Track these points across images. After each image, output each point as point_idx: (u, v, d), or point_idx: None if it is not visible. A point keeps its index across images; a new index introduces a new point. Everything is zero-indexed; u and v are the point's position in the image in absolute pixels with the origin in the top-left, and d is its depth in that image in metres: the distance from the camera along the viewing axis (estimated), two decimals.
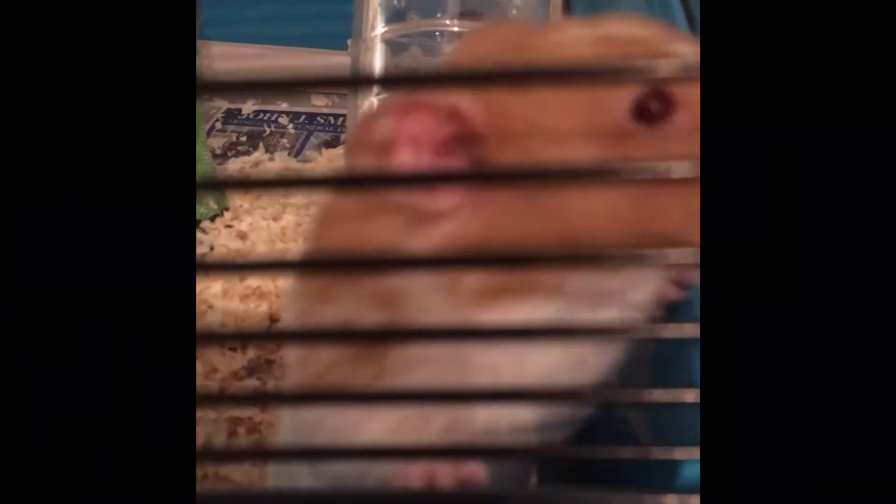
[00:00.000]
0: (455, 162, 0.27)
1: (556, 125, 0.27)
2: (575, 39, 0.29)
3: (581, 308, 0.28)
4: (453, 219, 0.28)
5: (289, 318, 0.36)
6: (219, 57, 0.79)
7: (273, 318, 0.64)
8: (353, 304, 0.29)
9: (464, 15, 0.70)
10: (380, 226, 0.29)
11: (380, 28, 0.63)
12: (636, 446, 0.35)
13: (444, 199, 0.27)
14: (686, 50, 0.28)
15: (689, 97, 0.27)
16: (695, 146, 0.24)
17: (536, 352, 0.29)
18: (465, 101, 0.27)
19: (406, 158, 0.26)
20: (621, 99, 0.27)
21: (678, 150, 0.27)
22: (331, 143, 0.89)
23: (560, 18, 0.71)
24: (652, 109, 0.27)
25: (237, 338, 0.50)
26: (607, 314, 0.29)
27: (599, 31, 0.29)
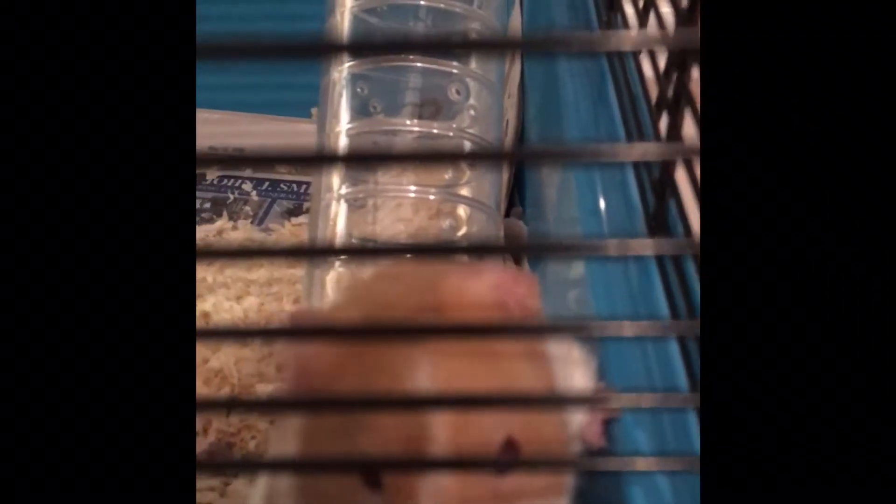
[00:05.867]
0: None
1: None
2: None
3: None
4: None
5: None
6: None
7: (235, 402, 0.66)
8: None
9: (424, 103, 0.73)
10: None
11: (344, 124, 0.66)
12: None
13: None
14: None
15: None
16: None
17: None
18: None
19: None
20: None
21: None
22: (293, 212, 0.91)
23: (515, 116, 0.74)
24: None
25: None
26: None
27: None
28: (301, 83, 0.88)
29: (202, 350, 0.68)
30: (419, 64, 0.65)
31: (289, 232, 0.86)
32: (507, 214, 0.72)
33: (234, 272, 0.78)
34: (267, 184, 0.95)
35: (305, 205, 0.91)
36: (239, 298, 0.74)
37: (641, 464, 0.30)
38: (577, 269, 0.50)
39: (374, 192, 0.65)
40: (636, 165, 0.48)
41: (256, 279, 0.76)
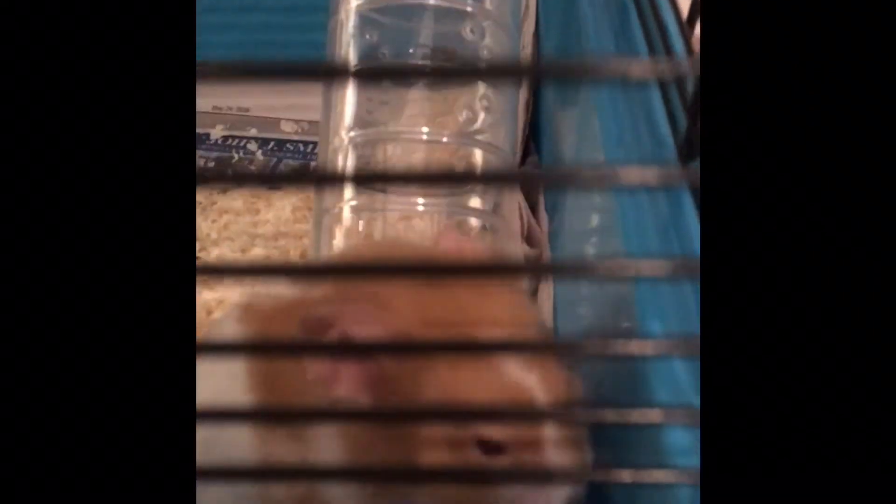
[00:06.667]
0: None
1: None
2: None
3: None
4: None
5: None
6: None
7: None
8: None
9: (436, 51, 0.70)
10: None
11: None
12: None
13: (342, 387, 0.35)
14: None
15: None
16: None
17: None
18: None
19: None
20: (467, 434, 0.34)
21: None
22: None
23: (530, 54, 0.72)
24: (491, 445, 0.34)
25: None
26: None
27: None
28: (305, 41, 0.85)
29: None
30: (432, 2, 0.62)
31: (295, 189, 0.83)
32: (523, 163, 0.70)
33: (240, 227, 0.76)
34: (272, 143, 0.93)
35: (312, 164, 0.89)
36: (244, 251, 0.71)
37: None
38: (604, 206, 0.48)
39: (385, 136, 0.62)
40: (669, 115, 0.45)
41: (263, 233, 0.73)
